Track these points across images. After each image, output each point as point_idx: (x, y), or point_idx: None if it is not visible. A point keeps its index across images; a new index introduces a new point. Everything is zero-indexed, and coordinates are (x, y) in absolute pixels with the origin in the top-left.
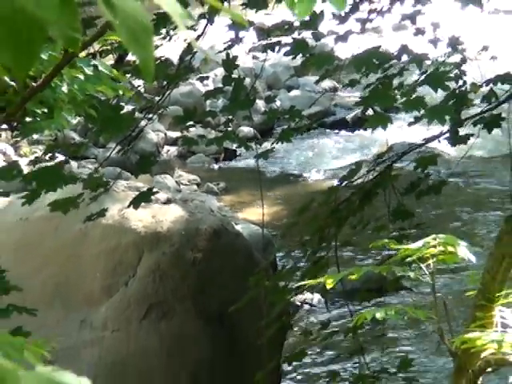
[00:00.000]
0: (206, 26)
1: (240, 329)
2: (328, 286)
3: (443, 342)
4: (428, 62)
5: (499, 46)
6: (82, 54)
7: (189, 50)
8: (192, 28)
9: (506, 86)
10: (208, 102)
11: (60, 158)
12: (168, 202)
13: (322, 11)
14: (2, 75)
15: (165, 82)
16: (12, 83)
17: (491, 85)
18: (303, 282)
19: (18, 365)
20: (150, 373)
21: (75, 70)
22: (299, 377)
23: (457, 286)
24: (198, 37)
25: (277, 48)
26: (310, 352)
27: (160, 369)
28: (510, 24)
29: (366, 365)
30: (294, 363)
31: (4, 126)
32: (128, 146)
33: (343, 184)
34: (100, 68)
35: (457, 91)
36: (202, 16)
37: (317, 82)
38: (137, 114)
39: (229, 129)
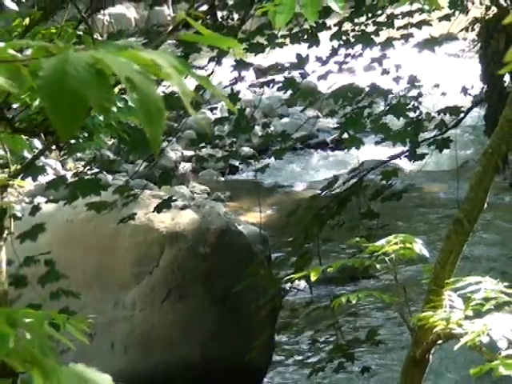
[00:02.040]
0: (214, 67)
1: (241, 308)
2: (312, 278)
3: (403, 320)
4: (392, 96)
5: (448, 83)
6: (115, 90)
7: (201, 86)
8: (203, 68)
9: (453, 116)
10: (216, 127)
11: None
12: (184, 207)
13: (307, 55)
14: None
15: (181, 112)
16: None
17: (442, 114)
18: (293, 276)
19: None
20: (170, 343)
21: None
22: (288, 345)
23: (414, 275)
24: (209, 75)
25: (271, 84)
26: (297, 326)
27: (177, 339)
28: (455, 65)
29: (341, 336)
30: (285, 336)
31: (54, 147)
32: (152, 163)
33: (324, 193)
34: (129, 102)
35: (414, 119)
36: (212, 59)
37: (302, 111)
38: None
39: (233, 149)
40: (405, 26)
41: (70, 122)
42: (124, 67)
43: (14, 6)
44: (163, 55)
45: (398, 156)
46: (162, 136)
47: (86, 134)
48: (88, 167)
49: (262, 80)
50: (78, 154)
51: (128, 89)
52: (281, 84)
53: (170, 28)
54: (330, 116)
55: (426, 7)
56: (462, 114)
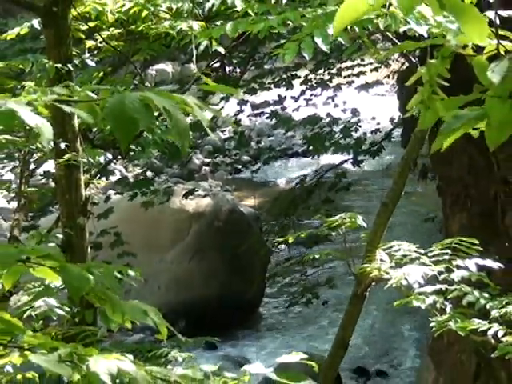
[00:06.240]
0: (224, 103)
1: (243, 264)
2: (290, 241)
3: (350, 269)
4: (341, 122)
5: (377, 113)
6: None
7: (215, 116)
8: (217, 104)
9: (381, 135)
10: (226, 143)
11: (148, 173)
12: (205, 196)
13: (285, 96)
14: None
15: (202, 132)
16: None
17: (373, 134)
18: (278, 240)
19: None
20: (195, 286)
21: (155, 127)
22: (274, 287)
23: (357, 239)
24: (221, 109)
25: (262, 115)
26: (279, 274)
27: (200, 284)
28: (382, 101)
29: (308, 280)
30: (272, 281)
31: (119, 157)
32: (183, 166)
33: (297, 186)
34: (167, 126)
35: (356, 137)
36: (222, 98)
37: (285, 133)
38: (188, 150)
39: (237, 157)
40: (348, 76)
41: (127, 135)
42: (162, 101)
43: (93, 64)
44: (190, 97)
45: (345, 161)
46: (189, 145)
47: (140, 148)
48: (142, 171)
49: (255, 112)
50: (136, 162)
51: (165, 115)
52: (268, 114)
53: (192, 80)
54: (301, 135)
55: (374, 58)
56: (386, 134)
